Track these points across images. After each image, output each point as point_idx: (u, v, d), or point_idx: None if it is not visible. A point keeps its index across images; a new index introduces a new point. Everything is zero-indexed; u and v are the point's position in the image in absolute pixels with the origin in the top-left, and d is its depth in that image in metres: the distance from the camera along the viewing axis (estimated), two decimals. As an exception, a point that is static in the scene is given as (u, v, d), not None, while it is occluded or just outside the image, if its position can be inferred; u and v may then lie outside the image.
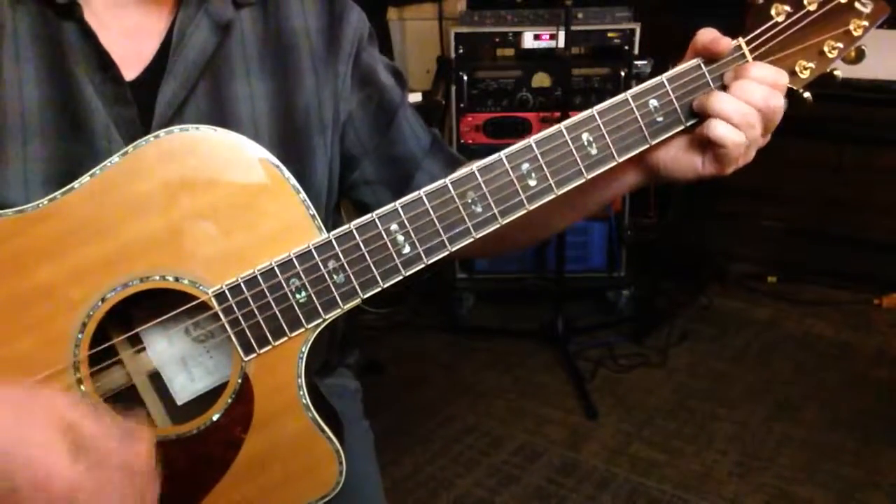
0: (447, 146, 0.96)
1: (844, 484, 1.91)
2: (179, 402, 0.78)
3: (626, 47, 2.57)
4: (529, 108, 2.63)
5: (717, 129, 0.71)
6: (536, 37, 2.58)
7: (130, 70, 0.77)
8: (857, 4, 0.74)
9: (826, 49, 0.75)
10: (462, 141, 2.66)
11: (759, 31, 0.75)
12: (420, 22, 3.21)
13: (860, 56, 0.75)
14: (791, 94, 0.75)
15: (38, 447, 0.58)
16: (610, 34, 2.57)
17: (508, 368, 2.53)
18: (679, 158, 0.77)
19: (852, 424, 2.16)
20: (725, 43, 0.73)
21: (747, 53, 0.75)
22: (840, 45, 0.75)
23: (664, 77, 0.74)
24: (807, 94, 0.76)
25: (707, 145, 0.74)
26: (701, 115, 0.74)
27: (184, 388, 0.78)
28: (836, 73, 0.76)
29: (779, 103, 0.72)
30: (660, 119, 0.74)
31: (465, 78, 2.61)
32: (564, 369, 2.48)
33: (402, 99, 0.92)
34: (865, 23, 0.74)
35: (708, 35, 0.73)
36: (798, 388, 2.35)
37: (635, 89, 0.74)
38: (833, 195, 2.98)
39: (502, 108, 2.64)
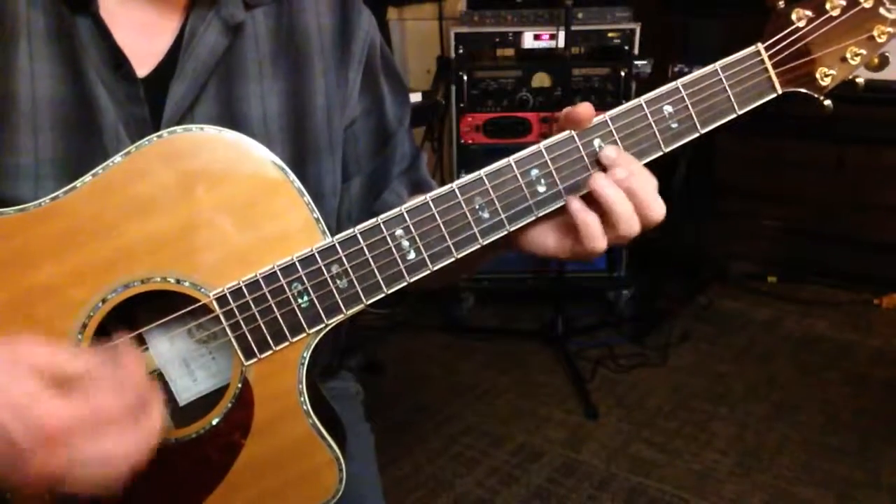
0: (424, 169, 0.95)
1: (844, 484, 1.91)
2: (181, 403, 0.78)
3: (626, 47, 2.56)
4: (529, 108, 2.62)
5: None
6: (536, 37, 2.57)
7: (141, 67, 0.77)
8: (881, 10, 0.72)
9: (848, 55, 0.73)
10: (462, 141, 2.66)
11: (778, 36, 0.73)
12: (420, 22, 3.20)
13: (884, 63, 0.73)
14: (811, 101, 0.73)
15: (21, 396, 0.58)
16: (610, 34, 2.56)
17: (508, 368, 2.52)
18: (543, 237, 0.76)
19: (852, 424, 2.15)
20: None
21: (766, 59, 0.73)
22: (863, 51, 0.73)
23: (679, 82, 0.73)
24: (827, 102, 0.74)
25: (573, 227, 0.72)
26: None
27: (186, 388, 0.78)
28: (857, 79, 0.74)
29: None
30: (674, 125, 0.73)
31: (465, 78, 2.60)
32: (564, 369, 2.48)
33: (401, 116, 0.92)
34: (891, 29, 0.72)
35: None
36: (798, 388, 2.35)
37: (649, 95, 0.73)
38: (833, 195, 2.97)
39: (502, 108, 2.63)
